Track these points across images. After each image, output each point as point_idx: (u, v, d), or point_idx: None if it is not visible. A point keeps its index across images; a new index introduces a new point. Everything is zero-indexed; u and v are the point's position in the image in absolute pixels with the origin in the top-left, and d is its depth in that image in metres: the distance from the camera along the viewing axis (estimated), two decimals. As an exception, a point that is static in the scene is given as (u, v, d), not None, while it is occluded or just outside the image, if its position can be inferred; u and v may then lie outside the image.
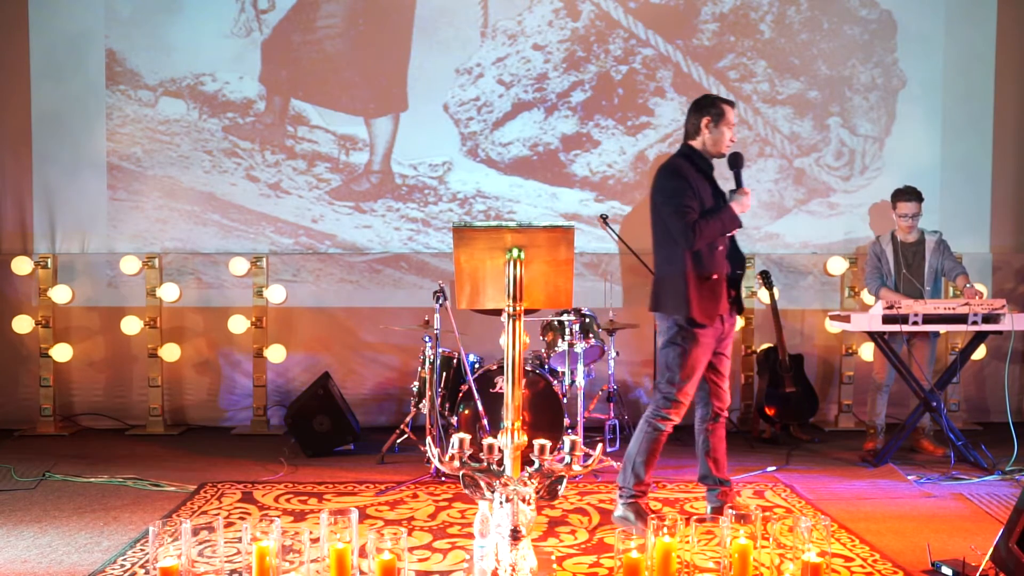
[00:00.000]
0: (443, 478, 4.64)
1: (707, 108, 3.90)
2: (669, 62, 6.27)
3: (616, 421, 5.42)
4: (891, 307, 4.86)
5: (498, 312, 3.43)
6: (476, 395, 4.74)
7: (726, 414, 4.13)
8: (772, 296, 5.74)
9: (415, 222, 6.28)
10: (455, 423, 4.95)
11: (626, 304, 6.15)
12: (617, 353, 5.57)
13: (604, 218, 5.94)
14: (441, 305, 4.92)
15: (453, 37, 6.22)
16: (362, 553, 3.14)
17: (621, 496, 3.94)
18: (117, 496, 4.44)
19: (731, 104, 3.93)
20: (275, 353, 6.09)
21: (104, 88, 6.17)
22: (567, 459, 3.11)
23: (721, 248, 3.88)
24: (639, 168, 6.30)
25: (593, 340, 5.07)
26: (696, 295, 3.79)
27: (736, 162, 3.98)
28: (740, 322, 4.06)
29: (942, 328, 5.03)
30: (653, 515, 3.73)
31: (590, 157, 6.29)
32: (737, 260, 4.00)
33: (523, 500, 2.99)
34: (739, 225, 3.91)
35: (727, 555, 3.08)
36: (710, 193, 3.90)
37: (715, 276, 3.83)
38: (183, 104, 6.19)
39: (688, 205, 3.78)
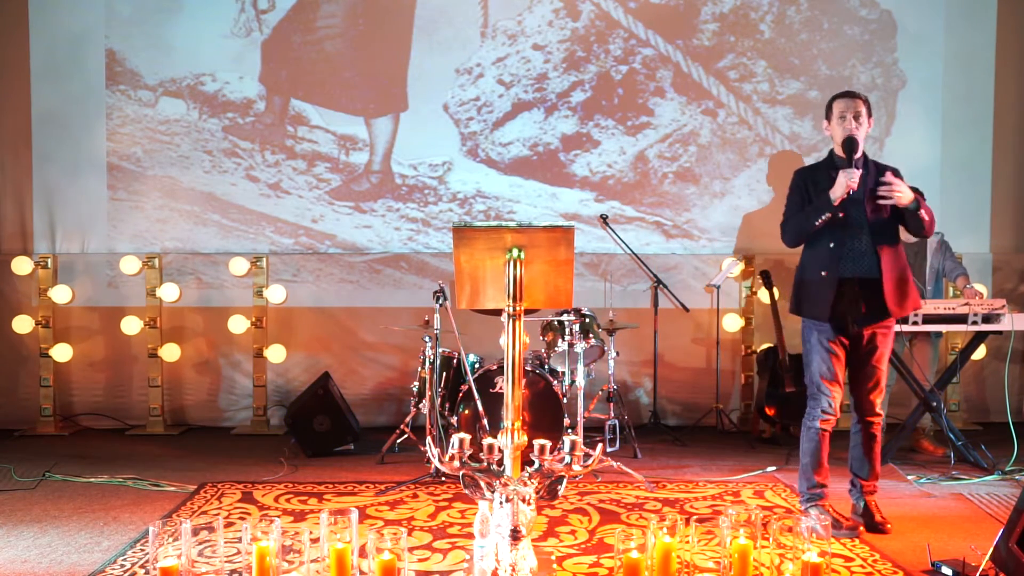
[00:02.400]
0: (443, 478, 4.64)
1: (825, 110, 3.96)
2: (669, 62, 6.27)
3: (616, 421, 5.42)
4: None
5: (498, 312, 3.43)
6: (476, 395, 4.74)
7: (875, 422, 4.09)
8: (772, 296, 5.74)
9: (415, 222, 6.28)
10: (455, 423, 4.95)
11: (625, 304, 6.14)
12: (617, 353, 5.57)
13: (604, 218, 5.95)
14: (441, 305, 4.92)
15: (453, 37, 6.22)
16: (362, 553, 3.13)
17: (801, 502, 4.05)
18: (117, 496, 4.44)
19: (842, 95, 3.89)
20: (275, 353, 6.09)
21: (104, 88, 6.17)
22: (567, 459, 3.11)
23: (832, 245, 3.82)
24: (639, 168, 6.30)
25: (593, 340, 5.07)
26: (801, 292, 3.95)
27: (845, 146, 3.83)
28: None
29: (942, 328, 5.03)
30: (836, 513, 3.96)
31: (590, 157, 6.29)
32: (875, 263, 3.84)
33: (523, 500, 2.99)
34: (829, 210, 3.77)
35: (727, 555, 3.07)
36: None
37: (823, 274, 3.84)
38: (183, 104, 6.19)
39: (788, 206, 3.98)
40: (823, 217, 3.79)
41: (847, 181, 3.73)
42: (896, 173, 3.87)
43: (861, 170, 3.80)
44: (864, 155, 3.91)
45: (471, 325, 5.50)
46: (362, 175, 6.27)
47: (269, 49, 6.20)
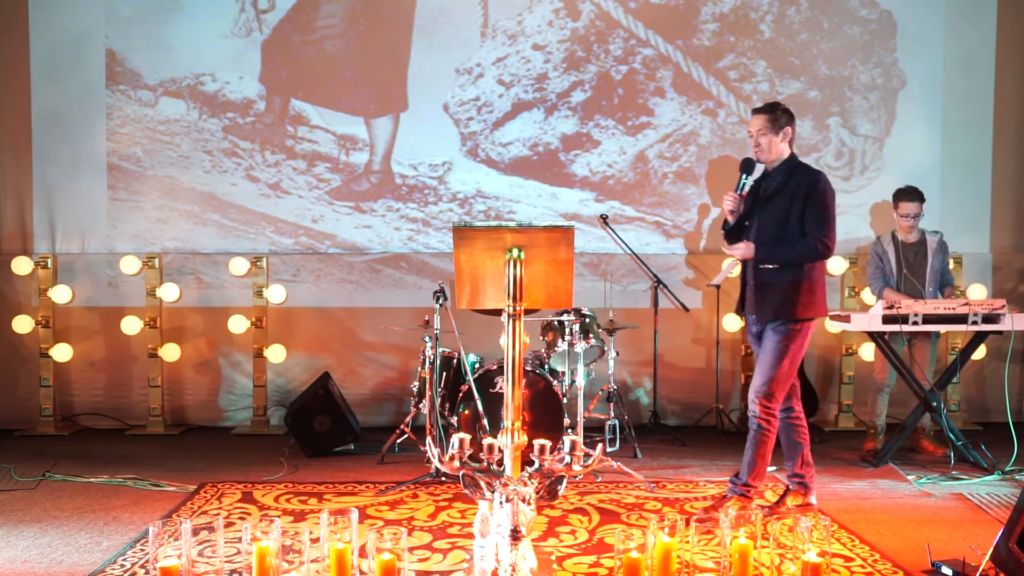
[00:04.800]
0: (443, 478, 4.64)
1: None
2: (669, 62, 6.27)
3: (616, 421, 5.42)
4: (891, 307, 4.86)
5: (498, 312, 3.43)
6: (476, 395, 4.74)
7: (757, 417, 4.19)
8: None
9: (415, 222, 6.28)
10: (455, 423, 4.95)
11: (625, 304, 6.14)
12: (617, 353, 5.57)
13: (604, 218, 5.95)
14: (441, 305, 4.92)
15: (453, 37, 6.22)
16: (362, 553, 3.14)
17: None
18: (117, 496, 4.44)
19: (753, 112, 4.11)
20: (275, 353, 6.09)
21: (104, 88, 6.17)
22: (567, 459, 3.11)
23: None
24: (639, 168, 6.30)
25: (593, 340, 5.07)
26: None
27: (741, 166, 4.14)
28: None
29: (942, 328, 5.03)
30: (755, 509, 3.93)
31: (590, 157, 6.29)
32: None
33: (523, 500, 2.99)
34: (725, 226, 4.17)
35: (727, 555, 3.08)
36: (753, 200, 4.13)
37: (741, 275, 4.25)
38: (183, 104, 6.19)
39: None
40: (724, 230, 4.19)
41: (725, 203, 4.08)
42: (816, 181, 3.95)
43: (742, 193, 4.05)
44: (791, 159, 4.04)
45: (471, 325, 5.50)
46: (362, 175, 6.27)
47: (269, 49, 6.20)
